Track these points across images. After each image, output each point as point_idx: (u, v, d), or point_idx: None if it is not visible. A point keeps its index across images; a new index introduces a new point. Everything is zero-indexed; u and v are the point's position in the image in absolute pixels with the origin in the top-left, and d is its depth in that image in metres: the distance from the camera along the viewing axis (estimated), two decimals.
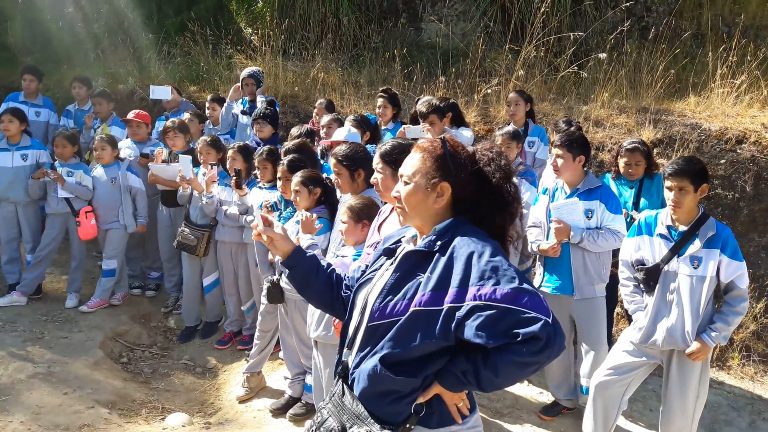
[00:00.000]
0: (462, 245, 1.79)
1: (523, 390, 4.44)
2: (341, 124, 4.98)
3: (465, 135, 5.10)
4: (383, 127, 5.53)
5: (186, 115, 6.07)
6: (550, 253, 3.88)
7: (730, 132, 5.75)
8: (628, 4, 7.32)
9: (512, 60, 7.33)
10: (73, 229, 5.54)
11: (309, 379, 3.96)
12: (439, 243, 1.84)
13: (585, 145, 3.92)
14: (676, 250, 3.28)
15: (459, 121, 5.33)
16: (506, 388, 4.21)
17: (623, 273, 3.55)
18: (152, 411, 4.44)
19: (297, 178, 3.80)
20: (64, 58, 8.85)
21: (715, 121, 6.00)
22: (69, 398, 4.26)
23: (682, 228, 3.29)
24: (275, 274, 4.01)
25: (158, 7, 9.28)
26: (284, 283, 3.84)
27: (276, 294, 3.90)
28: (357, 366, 1.89)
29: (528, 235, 4.08)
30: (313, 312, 3.42)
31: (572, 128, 4.86)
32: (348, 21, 8.61)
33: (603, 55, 6.69)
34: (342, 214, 3.28)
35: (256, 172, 4.76)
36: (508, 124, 5.35)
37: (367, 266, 2.11)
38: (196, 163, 5.25)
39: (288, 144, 4.61)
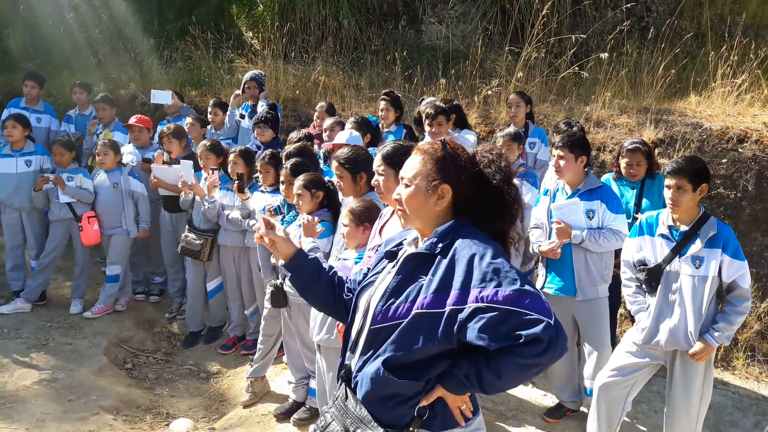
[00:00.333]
0: (463, 247, 1.80)
1: (527, 392, 4.44)
2: (344, 127, 4.99)
3: (469, 140, 5.10)
4: (386, 130, 5.53)
5: (188, 120, 6.08)
6: (551, 255, 3.88)
7: (732, 131, 5.75)
8: (628, 5, 7.32)
9: (512, 61, 7.33)
10: (77, 235, 5.56)
11: (313, 384, 3.96)
12: (440, 245, 1.85)
13: (586, 145, 3.92)
14: (678, 250, 3.28)
15: (462, 123, 5.33)
16: (510, 391, 4.20)
17: (625, 273, 3.54)
18: (157, 417, 4.45)
19: (299, 181, 3.80)
20: (65, 63, 8.88)
21: (717, 120, 5.99)
22: (74, 405, 4.27)
23: (684, 228, 3.29)
24: (278, 278, 4.01)
25: (159, 12, 9.31)
26: (288, 287, 3.84)
27: (280, 298, 3.90)
28: (360, 369, 1.89)
29: (530, 236, 4.08)
30: (315, 316, 3.42)
31: (573, 129, 4.86)
32: (348, 24, 8.63)
33: (605, 55, 6.68)
34: (343, 217, 3.28)
35: (258, 175, 4.77)
36: (509, 126, 5.35)
37: (368, 269, 2.12)
38: (198, 168, 5.26)
39: (289, 148, 4.62)
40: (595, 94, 6.72)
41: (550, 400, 4.32)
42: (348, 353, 1.99)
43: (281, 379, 4.61)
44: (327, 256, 3.54)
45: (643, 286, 3.42)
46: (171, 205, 5.64)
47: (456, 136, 4.96)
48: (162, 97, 6.43)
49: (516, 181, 1.94)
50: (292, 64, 8.35)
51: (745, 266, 3.21)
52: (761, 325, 5.02)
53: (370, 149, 4.11)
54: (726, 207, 5.43)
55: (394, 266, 1.96)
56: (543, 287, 3.94)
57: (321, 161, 4.93)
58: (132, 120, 6.02)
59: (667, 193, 3.27)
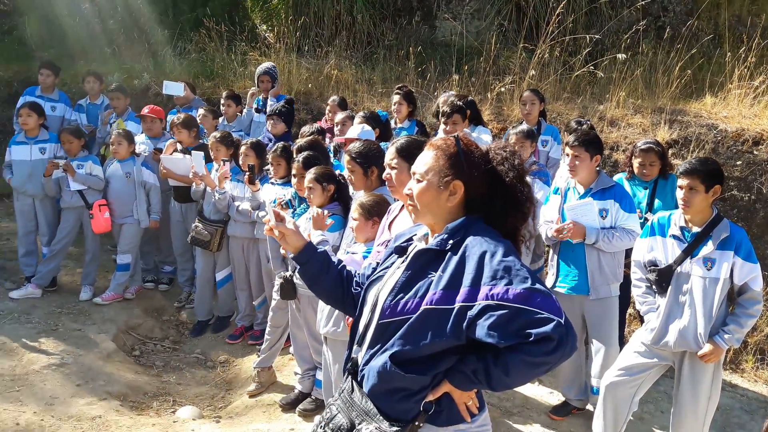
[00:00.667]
0: (474, 244, 1.79)
1: (533, 390, 4.43)
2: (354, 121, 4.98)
3: (485, 140, 5.07)
4: (399, 126, 5.52)
5: (201, 111, 6.10)
6: (566, 235, 3.78)
7: (747, 133, 5.69)
8: (644, 2, 7.25)
9: (526, 59, 7.29)
10: (88, 223, 5.60)
11: (319, 375, 3.98)
12: (451, 242, 1.84)
13: (600, 144, 3.92)
14: (689, 252, 3.26)
15: (476, 120, 5.30)
16: (516, 388, 4.20)
17: (635, 274, 3.52)
18: (163, 404, 4.48)
19: (310, 174, 3.81)
20: (80, 53, 8.92)
21: (732, 122, 5.93)
22: (81, 390, 4.31)
23: (696, 229, 3.27)
24: (288, 270, 4.03)
25: (173, 3, 9.32)
26: (297, 279, 3.85)
27: (289, 290, 3.91)
28: (367, 363, 1.89)
29: (540, 230, 4.05)
30: (323, 308, 3.43)
31: (584, 127, 4.83)
32: (362, 18, 8.61)
33: (621, 56, 6.62)
34: (353, 211, 3.28)
35: (269, 167, 4.78)
36: (522, 123, 5.32)
37: (377, 264, 2.12)
38: (209, 159, 5.28)
39: (300, 141, 4.63)
40: (610, 93, 6.67)
41: (556, 398, 4.32)
42: (355, 346, 1.99)
43: (288, 370, 4.63)
44: (338, 249, 3.55)
45: (654, 286, 3.40)
46: (181, 196, 5.67)
47: (474, 137, 4.94)
48: (174, 88, 6.46)
49: (528, 179, 1.93)
50: (305, 58, 8.34)
51: (758, 269, 3.19)
52: None
53: (382, 144, 4.11)
54: (740, 209, 5.38)
55: (403, 261, 1.95)
56: (554, 287, 3.92)
57: (331, 155, 4.94)
58: (145, 110, 6.04)
59: (679, 194, 3.25)
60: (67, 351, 4.75)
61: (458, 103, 4.90)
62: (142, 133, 6.12)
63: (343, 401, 1.95)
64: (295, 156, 4.36)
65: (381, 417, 1.83)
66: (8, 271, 6.09)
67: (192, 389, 4.75)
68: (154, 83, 7.92)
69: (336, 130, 5.29)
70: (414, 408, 1.84)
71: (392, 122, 5.56)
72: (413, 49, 7.62)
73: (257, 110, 6.33)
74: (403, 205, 2.68)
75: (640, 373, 3.43)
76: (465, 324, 1.72)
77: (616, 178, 4.61)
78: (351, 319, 2.18)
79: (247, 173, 4.79)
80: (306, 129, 5.22)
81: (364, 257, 3.07)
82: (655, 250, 3.39)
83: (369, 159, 3.38)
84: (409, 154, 2.66)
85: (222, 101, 6.39)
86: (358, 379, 1.93)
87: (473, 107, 5.27)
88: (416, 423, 1.83)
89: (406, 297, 1.83)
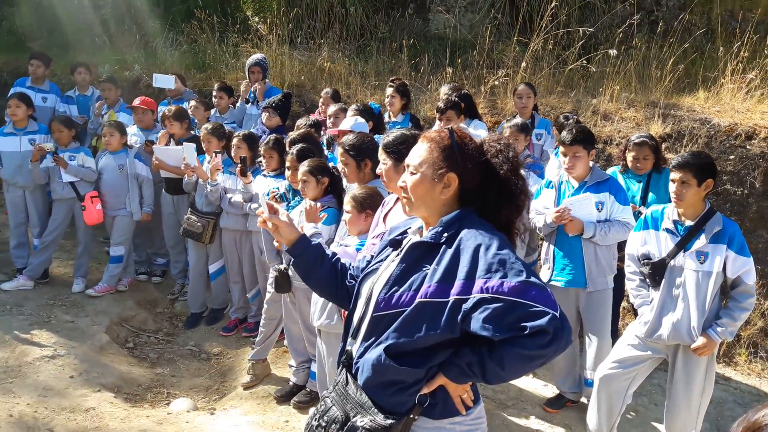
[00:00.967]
0: (469, 237, 1.79)
1: (528, 382, 4.45)
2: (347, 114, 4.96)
3: (481, 135, 5.06)
4: (392, 120, 5.50)
5: (192, 103, 6.06)
6: (561, 220, 3.79)
7: (740, 128, 5.71)
8: None
9: (520, 52, 7.28)
10: (79, 215, 5.57)
11: (314, 367, 3.98)
12: (445, 235, 1.84)
13: (594, 138, 3.95)
14: (682, 245, 3.27)
15: (471, 113, 5.28)
16: (511, 381, 4.21)
17: (629, 267, 3.54)
18: (157, 396, 4.48)
19: (304, 167, 3.79)
20: (71, 43, 8.84)
21: (725, 116, 5.95)
22: (75, 382, 4.30)
23: (689, 223, 3.28)
24: (282, 263, 4.02)
25: None
26: (292, 271, 3.84)
27: (283, 283, 3.90)
28: (361, 356, 1.89)
29: (534, 222, 4.05)
30: (316, 300, 3.43)
31: (571, 121, 4.87)
32: (355, 11, 8.57)
33: (613, 52, 6.63)
34: (345, 204, 3.27)
35: (261, 160, 4.76)
36: (515, 116, 5.32)
37: (372, 256, 2.11)
38: (201, 151, 5.26)
39: (293, 134, 4.61)
40: (603, 87, 6.68)
41: (550, 391, 4.34)
42: (349, 339, 1.99)
43: (282, 362, 4.63)
44: (332, 242, 3.54)
45: (647, 280, 3.42)
46: (173, 188, 5.64)
47: (471, 133, 4.94)
48: (165, 81, 6.42)
49: (523, 172, 1.93)
50: (298, 50, 8.30)
51: (751, 262, 3.20)
52: (765, 322, 5.02)
53: (376, 137, 4.10)
54: (733, 203, 5.41)
55: (398, 254, 1.95)
56: (550, 280, 3.94)
57: (324, 147, 4.92)
58: (136, 101, 6.00)
59: (672, 187, 3.26)
60: (60, 343, 4.72)
61: (452, 98, 4.88)
62: (133, 124, 6.08)
63: (337, 394, 1.95)
64: (288, 148, 4.34)
65: (375, 410, 1.83)
66: (0, 262, 6.05)
67: (186, 381, 4.74)
68: (145, 74, 7.86)
69: (329, 122, 5.27)
70: (409, 401, 1.84)
71: (386, 116, 5.53)
72: (406, 41, 7.59)
73: (247, 101, 6.29)
74: (397, 198, 2.68)
75: (633, 366, 3.45)
76: (460, 317, 1.72)
77: (609, 171, 4.62)
78: (346, 312, 2.17)
79: (239, 165, 4.77)
80: (302, 121, 5.20)
81: (357, 250, 3.06)
82: (649, 244, 3.40)
83: (362, 152, 3.37)
84: (395, 149, 2.65)
85: (214, 93, 6.35)
86: (353, 371, 1.93)
87: (468, 100, 5.26)
88: (411, 416, 1.83)
89: (401, 290, 1.83)
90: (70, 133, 5.60)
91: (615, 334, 4.22)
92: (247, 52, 8.00)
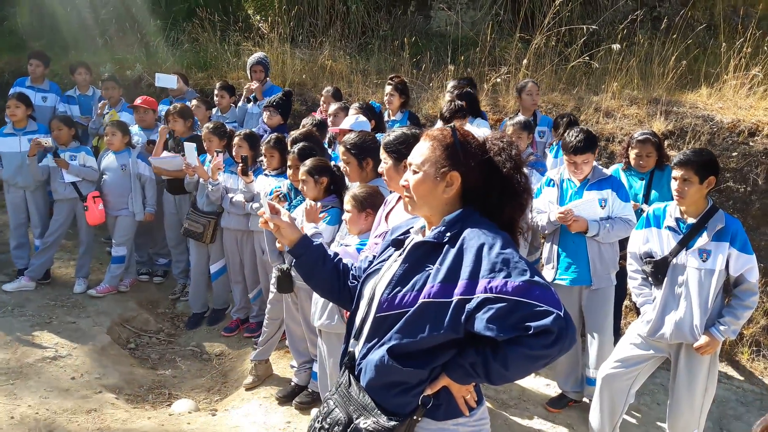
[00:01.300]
0: (472, 237, 1.77)
1: (530, 382, 4.44)
2: (348, 112, 4.94)
3: (484, 133, 5.04)
4: (391, 118, 5.47)
5: (194, 102, 6.05)
6: (566, 220, 3.77)
7: (743, 124, 5.68)
8: None
9: (522, 49, 7.25)
10: (81, 215, 5.56)
11: (316, 368, 3.96)
12: (448, 234, 1.82)
13: (596, 137, 3.93)
14: (685, 243, 3.25)
15: (475, 112, 5.25)
16: (515, 381, 4.21)
17: (631, 265, 3.52)
18: (159, 397, 4.47)
19: (303, 167, 3.77)
20: (71, 43, 8.83)
21: (728, 113, 5.92)
22: (76, 383, 4.29)
23: (691, 220, 3.26)
24: (284, 263, 4.00)
25: None
26: (294, 271, 3.82)
27: (285, 283, 3.88)
28: (364, 357, 1.88)
29: (536, 220, 4.03)
30: (316, 301, 3.41)
31: (566, 119, 4.88)
32: (356, 8, 8.55)
33: (617, 46, 6.60)
34: (345, 203, 3.25)
35: (262, 159, 4.75)
36: (518, 114, 5.30)
37: (374, 256, 2.10)
38: (202, 150, 5.24)
39: (295, 133, 4.59)
40: (605, 83, 6.65)
41: (552, 390, 4.33)
42: (352, 340, 1.98)
43: (284, 363, 4.62)
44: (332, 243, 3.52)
45: (650, 278, 3.40)
46: (174, 188, 5.63)
47: (477, 133, 4.91)
48: (167, 80, 6.41)
49: (526, 170, 1.91)
50: (300, 48, 8.28)
51: (753, 260, 3.19)
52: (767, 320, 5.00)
53: (378, 135, 4.08)
54: (735, 201, 5.39)
55: (400, 254, 1.94)
56: (554, 279, 3.92)
57: (327, 146, 4.90)
58: (137, 101, 5.99)
59: (674, 185, 3.24)
60: (62, 344, 4.72)
61: (456, 103, 4.82)
62: (135, 124, 6.07)
63: (340, 395, 1.93)
64: (290, 147, 4.32)
65: (379, 411, 1.82)
66: (0, 263, 6.05)
67: (188, 382, 4.73)
68: (146, 74, 7.85)
69: (329, 121, 5.25)
70: (412, 402, 1.82)
71: (385, 114, 5.50)
72: (408, 39, 7.57)
73: (247, 100, 6.28)
74: (399, 197, 2.66)
75: (636, 365, 3.44)
76: (463, 317, 1.71)
77: (612, 168, 4.60)
78: (348, 312, 2.16)
79: (241, 164, 4.75)
80: (307, 120, 5.17)
81: (358, 250, 3.05)
82: (651, 242, 3.38)
83: (364, 150, 3.34)
84: (395, 149, 2.63)
85: (215, 92, 6.34)
86: (356, 373, 1.91)
87: (470, 98, 5.23)
88: (414, 417, 1.82)
89: (404, 290, 1.81)
90: (69, 132, 5.59)
91: (617, 333, 4.21)
92: (248, 51, 7.98)
